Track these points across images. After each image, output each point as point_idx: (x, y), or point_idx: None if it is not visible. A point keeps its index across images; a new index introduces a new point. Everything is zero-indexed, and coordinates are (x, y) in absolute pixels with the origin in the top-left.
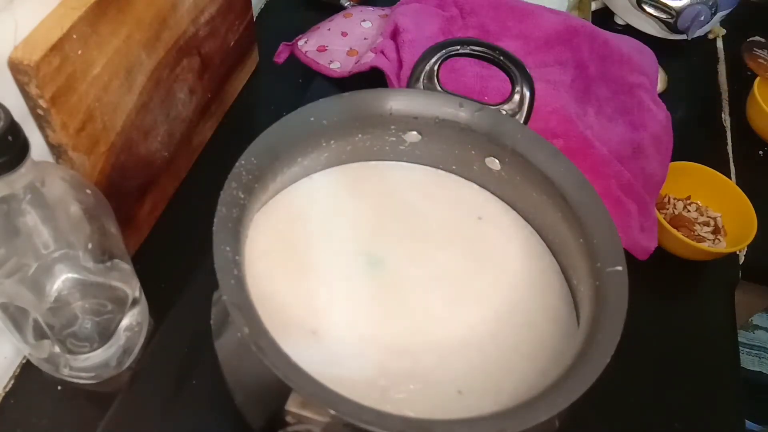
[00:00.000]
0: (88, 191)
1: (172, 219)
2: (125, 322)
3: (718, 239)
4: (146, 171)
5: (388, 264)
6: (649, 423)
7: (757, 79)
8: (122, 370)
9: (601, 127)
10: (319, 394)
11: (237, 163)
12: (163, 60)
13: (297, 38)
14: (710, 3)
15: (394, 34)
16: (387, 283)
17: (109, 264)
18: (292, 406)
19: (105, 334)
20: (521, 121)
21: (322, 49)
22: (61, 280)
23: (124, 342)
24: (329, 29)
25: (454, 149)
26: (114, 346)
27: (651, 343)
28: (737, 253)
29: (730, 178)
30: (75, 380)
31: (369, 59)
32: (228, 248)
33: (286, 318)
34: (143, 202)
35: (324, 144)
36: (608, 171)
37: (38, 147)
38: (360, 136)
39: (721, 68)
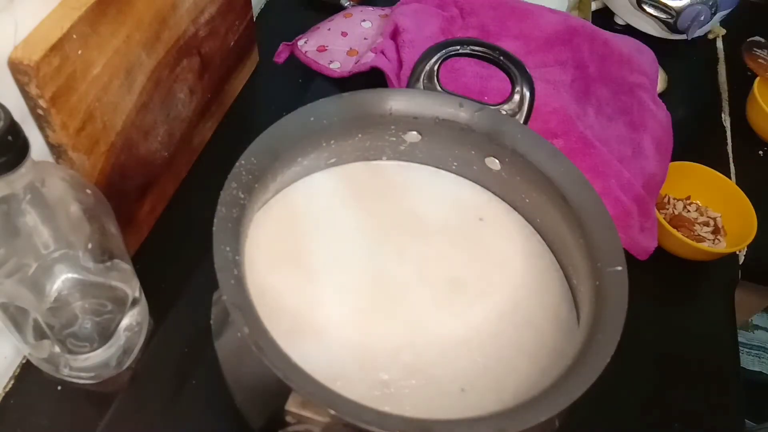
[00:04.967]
0: (88, 191)
1: (172, 219)
2: (125, 322)
3: (718, 239)
4: (146, 171)
5: (389, 263)
6: (649, 423)
7: (757, 79)
8: (122, 370)
9: (601, 127)
10: (319, 394)
11: (237, 163)
12: (163, 60)
13: (297, 38)
14: (710, 3)
15: (394, 34)
16: (388, 282)
17: (109, 264)
18: (292, 406)
19: (105, 334)
20: (521, 121)
21: (322, 49)
22: (61, 280)
23: (124, 342)
24: (329, 29)
25: (454, 149)
26: (114, 346)
27: (651, 343)
28: (737, 253)
29: (730, 178)
30: (75, 380)
31: (369, 59)
32: (228, 248)
33: (286, 318)
34: (143, 202)
35: (324, 144)
36: (608, 171)
37: (38, 147)
38: (360, 136)
39: (721, 68)
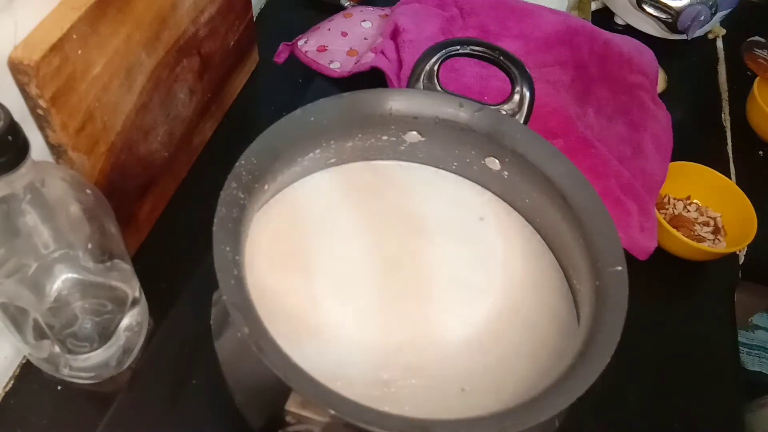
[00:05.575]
0: (88, 191)
1: (172, 219)
2: (125, 322)
3: (718, 239)
4: (146, 171)
5: (389, 263)
6: (649, 423)
7: (757, 79)
8: (122, 370)
9: (601, 127)
10: (319, 394)
11: (237, 163)
12: (163, 60)
13: (297, 38)
14: (710, 3)
15: (394, 34)
16: (387, 282)
17: (109, 264)
18: (292, 406)
19: (105, 334)
20: (521, 121)
21: (322, 49)
22: (61, 280)
23: (124, 342)
24: (329, 29)
25: (454, 149)
26: (114, 346)
27: (651, 343)
28: (737, 253)
29: (730, 178)
30: (75, 380)
31: (369, 59)
32: (228, 248)
33: (287, 318)
34: (143, 202)
35: (324, 144)
36: (608, 171)
37: (38, 147)
38: (360, 136)
39: (721, 68)
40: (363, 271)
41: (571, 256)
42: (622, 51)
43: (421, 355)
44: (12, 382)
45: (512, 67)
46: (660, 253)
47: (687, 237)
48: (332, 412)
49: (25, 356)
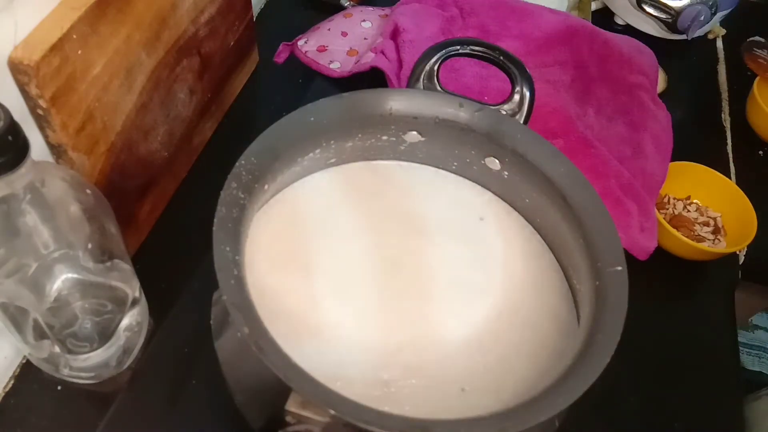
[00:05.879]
0: (88, 191)
1: (172, 219)
2: (125, 322)
3: (718, 239)
4: (146, 171)
5: (389, 263)
6: (649, 423)
7: (757, 79)
8: (122, 370)
9: (601, 127)
10: (319, 394)
11: (237, 163)
12: (163, 60)
13: (297, 38)
14: (710, 3)
15: (394, 34)
16: (388, 282)
17: (109, 264)
18: (292, 406)
19: (105, 334)
20: (521, 121)
21: (322, 49)
22: (61, 280)
23: (124, 342)
24: (329, 29)
25: (454, 149)
26: (114, 346)
27: (651, 344)
28: (737, 253)
29: (730, 178)
30: (75, 380)
31: (369, 59)
32: (228, 248)
33: (287, 317)
34: (143, 202)
35: (324, 144)
36: (608, 171)
37: (38, 147)
38: (360, 135)
39: (721, 68)
40: (363, 271)
41: (571, 256)
42: (622, 51)
43: (421, 355)
44: (12, 382)
45: (512, 67)
46: (660, 253)
47: (687, 237)
48: (332, 412)
49: (25, 356)
